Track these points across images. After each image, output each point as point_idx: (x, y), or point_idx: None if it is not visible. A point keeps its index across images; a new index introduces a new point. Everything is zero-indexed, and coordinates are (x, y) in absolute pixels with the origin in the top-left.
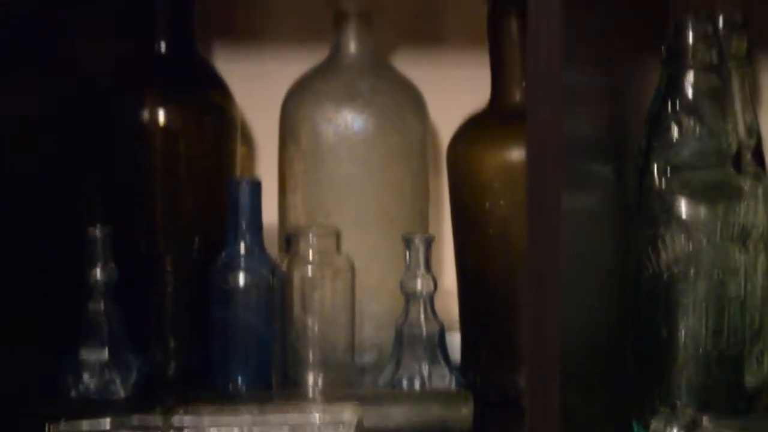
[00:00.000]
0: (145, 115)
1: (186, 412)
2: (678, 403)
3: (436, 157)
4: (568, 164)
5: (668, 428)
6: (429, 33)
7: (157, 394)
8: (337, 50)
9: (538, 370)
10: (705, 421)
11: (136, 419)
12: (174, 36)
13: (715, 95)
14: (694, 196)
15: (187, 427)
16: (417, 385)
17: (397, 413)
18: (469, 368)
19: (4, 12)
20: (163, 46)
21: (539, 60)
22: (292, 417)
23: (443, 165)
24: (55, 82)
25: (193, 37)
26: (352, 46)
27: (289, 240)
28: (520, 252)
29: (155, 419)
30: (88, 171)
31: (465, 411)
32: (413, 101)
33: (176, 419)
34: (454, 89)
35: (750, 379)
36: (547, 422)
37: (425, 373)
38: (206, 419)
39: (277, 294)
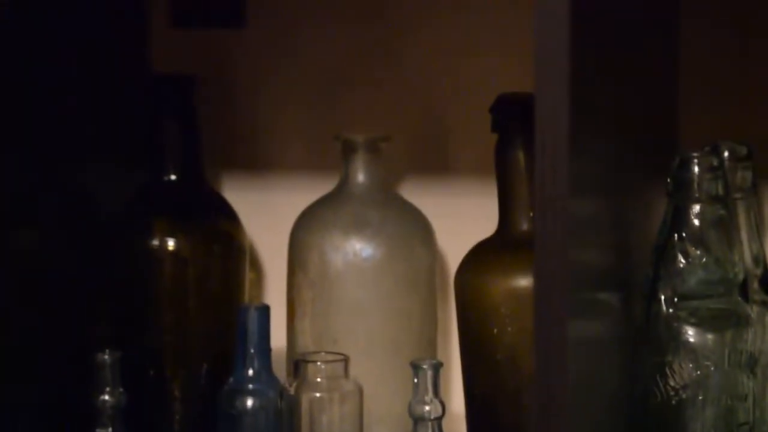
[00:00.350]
0: (156, 242)
1: None
2: None
3: (444, 283)
4: (576, 292)
5: None
6: (437, 162)
7: None
8: (345, 180)
9: None
10: None
11: None
12: (183, 166)
13: (721, 225)
14: (701, 324)
15: None
16: None
17: None
18: None
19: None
20: (172, 176)
21: (547, 189)
22: None
23: (451, 291)
24: (68, 213)
25: (202, 168)
26: (360, 176)
27: (298, 365)
28: (528, 377)
29: None
30: (99, 298)
31: None
32: (421, 229)
33: None
34: (462, 217)
35: None
36: None
37: None
38: None
39: (285, 418)
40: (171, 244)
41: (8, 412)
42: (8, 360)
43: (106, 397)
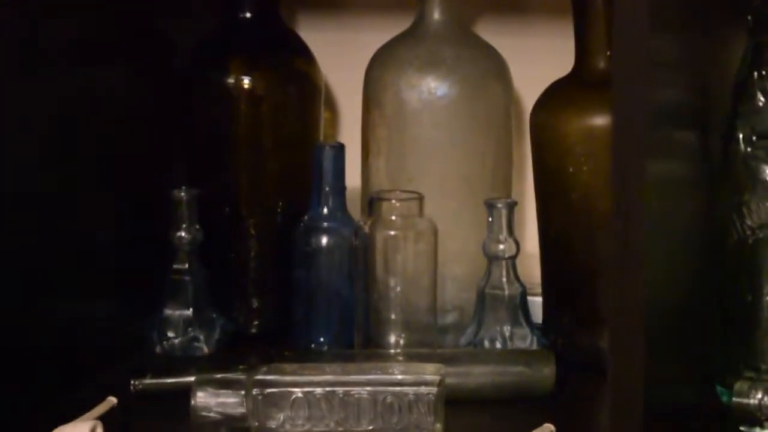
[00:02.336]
0: (231, 80)
1: (269, 370)
2: (762, 366)
3: (520, 123)
4: (653, 131)
5: (752, 392)
6: (514, 2)
7: (240, 352)
8: (421, 18)
9: (622, 335)
10: None
11: (219, 376)
12: (258, 4)
13: None
14: None
15: (270, 385)
16: (498, 345)
17: (479, 372)
18: (551, 331)
19: None
20: (248, 13)
21: (626, 27)
22: (375, 376)
23: (527, 131)
24: (146, 54)
25: (278, 5)
26: (437, 14)
27: (372, 203)
28: (603, 217)
29: (238, 376)
30: (173, 136)
31: (547, 371)
32: (497, 68)
33: (259, 377)
34: (538, 57)
35: None
36: (630, 385)
37: (507, 334)
38: (288, 377)
39: (359, 255)
40: (246, 82)
41: (89, 249)
42: (86, 201)
43: (183, 234)
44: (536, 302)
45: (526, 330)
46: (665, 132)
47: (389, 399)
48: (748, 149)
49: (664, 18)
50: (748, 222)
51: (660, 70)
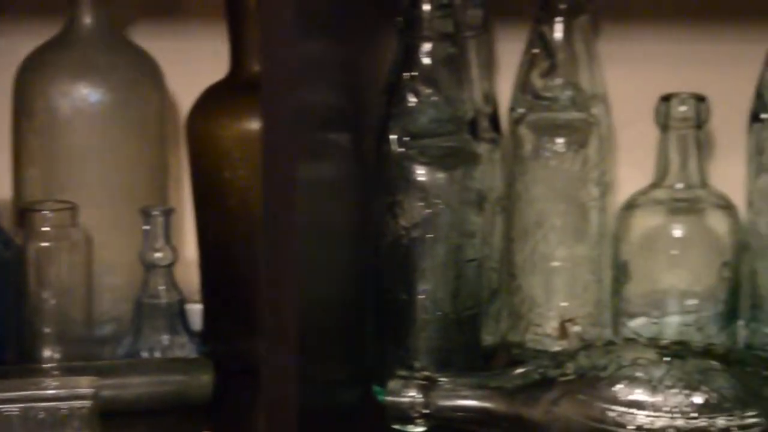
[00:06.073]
0: None
1: None
2: (416, 364)
3: (176, 129)
4: (305, 134)
5: (404, 390)
6: (168, 6)
7: None
8: (72, 22)
9: (275, 337)
10: (441, 380)
11: None
12: None
13: (451, 64)
14: (431, 163)
15: None
16: (157, 355)
17: (137, 383)
18: (211, 338)
19: None
20: None
21: (272, 29)
22: (26, 392)
23: (184, 138)
24: None
25: None
26: (88, 18)
27: (23, 214)
28: (260, 222)
29: None
30: None
31: (205, 378)
32: (150, 74)
33: None
34: (194, 62)
35: (488, 338)
36: (283, 388)
37: (165, 343)
38: None
39: (11, 269)
40: None
41: None
42: None
43: None
44: (197, 310)
45: (185, 338)
46: (317, 134)
47: (41, 415)
48: (401, 150)
49: (312, 20)
50: (402, 222)
51: (310, 72)
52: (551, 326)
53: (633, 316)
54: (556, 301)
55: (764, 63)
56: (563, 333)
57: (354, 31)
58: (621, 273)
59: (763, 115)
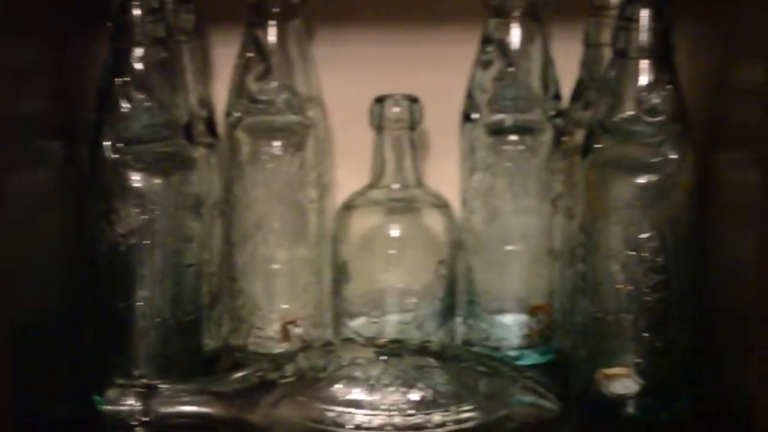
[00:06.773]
0: None
1: None
2: (135, 372)
3: None
4: (12, 141)
5: (122, 398)
6: None
7: None
8: None
9: None
10: (161, 387)
11: None
12: None
13: (164, 68)
14: (147, 169)
15: None
16: None
17: None
18: None
19: None
20: None
21: None
22: None
23: None
24: None
25: None
26: None
27: None
28: None
29: None
30: None
31: None
32: None
33: None
34: None
35: (211, 343)
36: None
37: None
38: None
39: None
40: None
41: None
42: None
43: None
44: None
45: None
46: (28, 141)
47: None
48: (116, 156)
49: (19, 24)
50: (119, 229)
51: (19, 78)
52: (273, 329)
53: (353, 316)
54: (277, 303)
55: (474, 63)
56: (285, 335)
57: (67, 35)
58: (340, 273)
59: (474, 115)
